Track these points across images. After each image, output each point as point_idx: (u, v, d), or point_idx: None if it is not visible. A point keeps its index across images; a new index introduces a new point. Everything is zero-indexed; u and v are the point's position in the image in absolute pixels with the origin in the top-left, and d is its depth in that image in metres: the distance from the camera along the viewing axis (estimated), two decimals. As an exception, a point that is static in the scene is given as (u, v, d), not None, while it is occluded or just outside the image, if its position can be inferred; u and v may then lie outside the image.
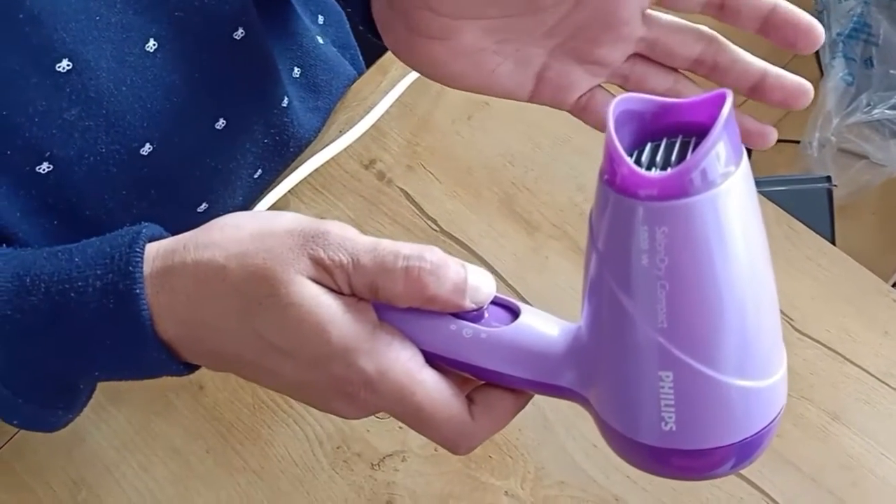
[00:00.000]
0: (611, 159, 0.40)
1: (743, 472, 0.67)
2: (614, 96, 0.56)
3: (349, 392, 0.48)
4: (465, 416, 0.49)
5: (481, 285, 0.48)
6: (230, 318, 0.48)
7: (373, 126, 0.83)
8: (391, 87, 0.84)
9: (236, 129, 0.72)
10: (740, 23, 0.54)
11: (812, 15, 0.53)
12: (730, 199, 0.39)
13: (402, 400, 0.48)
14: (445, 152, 0.82)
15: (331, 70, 0.82)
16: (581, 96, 0.59)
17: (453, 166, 0.81)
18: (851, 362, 0.71)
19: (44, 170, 0.62)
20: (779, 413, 0.45)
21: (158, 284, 0.49)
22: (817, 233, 0.77)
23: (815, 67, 1.62)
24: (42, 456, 0.72)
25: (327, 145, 0.81)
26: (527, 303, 0.49)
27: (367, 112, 0.83)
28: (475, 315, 0.48)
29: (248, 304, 0.48)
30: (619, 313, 0.42)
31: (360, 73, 0.87)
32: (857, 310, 0.73)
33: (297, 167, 0.80)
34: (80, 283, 0.50)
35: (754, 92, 0.55)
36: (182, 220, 0.55)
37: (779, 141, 0.57)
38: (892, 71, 1.54)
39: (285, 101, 0.76)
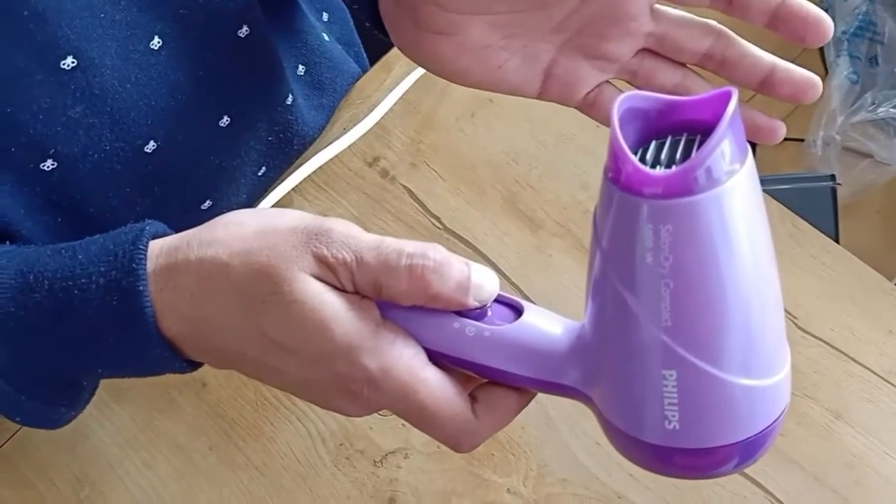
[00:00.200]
0: (615, 157, 0.40)
1: (746, 470, 0.67)
2: (622, 91, 0.56)
3: (352, 390, 0.48)
4: (468, 414, 0.49)
5: (485, 283, 0.48)
6: (233, 316, 0.48)
7: (377, 124, 0.83)
8: (395, 84, 0.84)
9: (240, 127, 0.72)
10: (749, 17, 0.54)
11: (818, 12, 0.53)
12: (734, 196, 0.39)
13: (406, 398, 0.48)
14: (449, 150, 0.82)
15: (335, 67, 0.82)
16: (589, 92, 0.59)
17: (457, 164, 0.81)
18: (855, 361, 0.71)
19: (48, 167, 0.62)
20: (783, 412, 0.45)
21: (162, 282, 0.49)
22: (821, 231, 0.77)
23: (820, 65, 1.62)
24: (45, 453, 0.72)
25: (331, 143, 0.81)
26: (530, 301, 0.49)
27: (372, 110, 0.83)
28: (478, 313, 0.48)
29: (252, 301, 0.47)
30: (622, 311, 0.42)
31: (365, 71, 0.87)
32: (861, 308, 0.73)
33: (300, 165, 0.80)
34: (83, 281, 0.50)
35: (763, 86, 0.55)
36: (186, 218, 0.55)
37: (783, 139, 0.57)
38: (896, 69, 1.54)
39: (290, 99, 0.76)
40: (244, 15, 0.67)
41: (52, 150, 0.61)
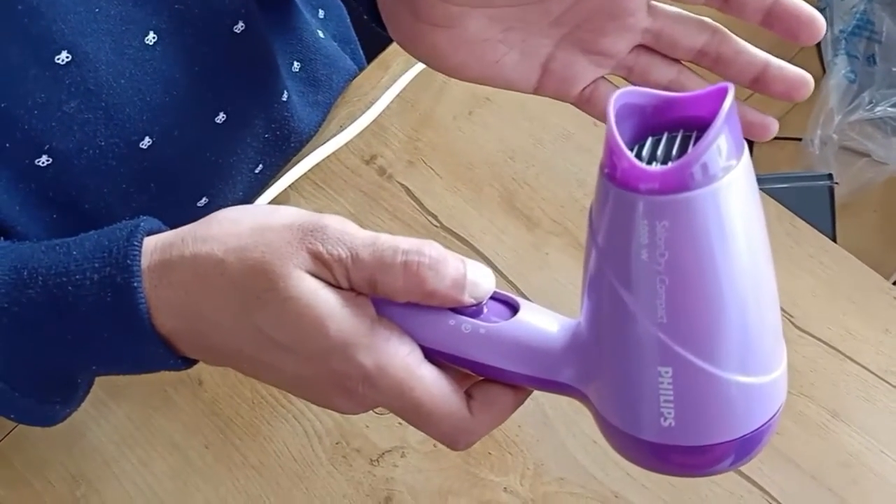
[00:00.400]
0: (611, 153, 0.40)
1: (743, 469, 0.67)
2: (618, 87, 0.55)
3: (348, 387, 0.48)
4: (464, 411, 0.48)
5: (480, 281, 0.48)
6: (228, 313, 0.48)
7: (374, 121, 0.83)
8: (392, 82, 0.84)
9: (236, 124, 0.72)
10: (744, 14, 0.54)
11: (814, 11, 0.53)
12: (731, 193, 0.39)
13: (401, 395, 0.48)
14: (446, 148, 0.82)
15: (331, 64, 0.82)
16: (585, 88, 0.59)
17: (454, 162, 0.81)
18: (852, 360, 0.71)
19: (43, 163, 0.62)
20: (779, 409, 0.45)
21: (157, 278, 0.49)
22: (819, 230, 0.77)
23: (818, 64, 1.62)
24: (41, 450, 0.72)
25: (328, 140, 0.81)
26: (527, 299, 0.49)
27: (369, 107, 0.83)
28: (474, 310, 0.48)
29: (247, 298, 0.47)
30: (618, 308, 0.42)
31: (361, 68, 0.87)
32: (858, 307, 0.73)
33: (297, 162, 0.80)
34: (77, 277, 0.50)
35: (756, 83, 0.55)
36: (182, 214, 0.54)
37: (781, 138, 0.57)
38: (894, 68, 1.53)
39: (285, 96, 0.76)
40: (239, 11, 0.67)
41: (47, 146, 0.61)
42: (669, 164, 0.39)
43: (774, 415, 0.44)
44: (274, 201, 0.78)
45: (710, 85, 0.41)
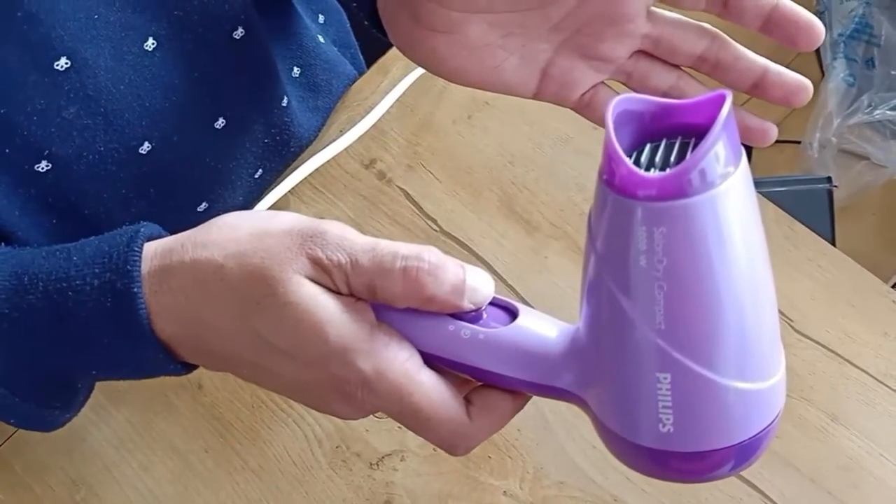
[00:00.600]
0: (610, 159, 0.40)
1: (742, 472, 0.67)
2: (617, 93, 0.56)
3: (347, 392, 0.48)
4: (463, 417, 0.49)
5: (480, 286, 0.48)
6: (228, 318, 0.48)
7: (373, 126, 0.83)
8: (392, 86, 0.84)
9: (236, 129, 0.72)
10: (744, 20, 0.54)
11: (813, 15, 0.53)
12: (728, 199, 0.39)
13: (400, 400, 0.48)
14: (446, 152, 0.82)
15: (331, 69, 0.82)
16: (584, 93, 0.59)
17: (454, 166, 0.81)
18: (851, 363, 0.71)
19: (42, 168, 0.62)
20: (777, 415, 0.45)
21: (156, 283, 0.49)
22: (818, 234, 0.77)
23: (817, 68, 1.62)
24: (41, 455, 0.72)
25: (328, 145, 0.81)
26: (526, 303, 0.49)
27: (368, 112, 0.83)
28: (473, 316, 0.48)
29: (246, 303, 0.47)
30: (617, 314, 0.42)
31: (361, 73, 0.87)
32: (858, 311, 0.73)
33: (297, 167, 0.80)
34: (77, 282, 0.50)
35: (755, 89, 0.55)
36: (182, 220, 0.55)
37: (780, 141, 0.58)
38: (893, 72, 1.53)
39: (285, 101, 0.76)
40: (239, 17, 0.67)
41: (47, 152, 0.61)
42: (667, 170, 0.40)
43: (773, 420, 0.44)
44: (274, 206, 0.78)
45: (709, 91, 0.41)
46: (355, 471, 0.70)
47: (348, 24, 0.89)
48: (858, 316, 0.73)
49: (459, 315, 0.48)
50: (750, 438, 0.44)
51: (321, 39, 0.81)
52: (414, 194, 0.80)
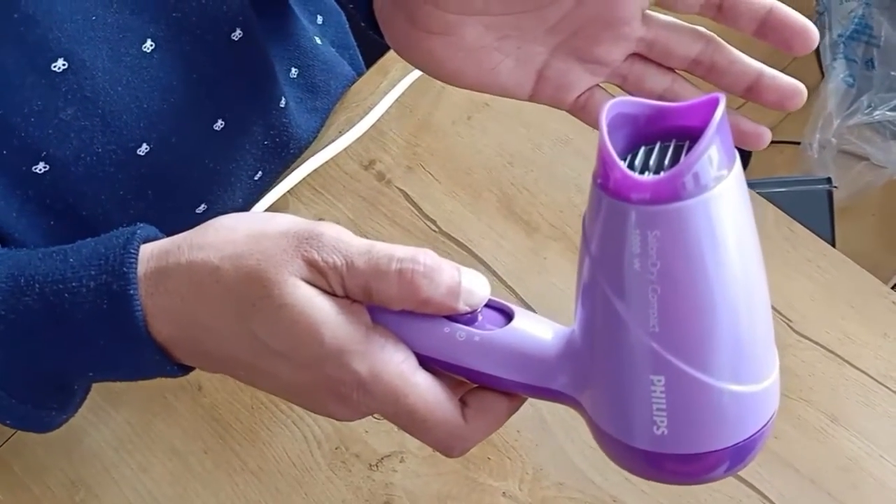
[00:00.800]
0: (604, 163, 0.40)
1: (741, 473, 0.67)
2: (612, 96, 0.56)
3: (343, 393, 0.48)
4: (459, 418, 0.49)
5: (475, 288, 0.48)
6: (224, 320, 0.48)
7: (372, 127, 0.83)
8: (391, 87, 0.84)
9: (235, 130, 0.72)
10: (738, 24, 0.54)
11: (813, 16, 0.54)
12: (722, 202, 0.39)
13: (396, 402, 0.48)
14: (445, 153, 0.82)
15: (329, 70, 0.82)
16: (580, 95, 0.59)
17: (453, 167, 0.81)
18: (851, 364, 0.71)
19: (40, 170, 0.62)
20: (772, 417, 0.45)
21: (152, 285, 0.49)
22: (818, 234, 0.77)
23: (816, 69, 1.62)
24: (40, 456, 0.72)
25: (327, 146, 0.81)
26: (525, 304, 0.49)
27: (367, 112, 0.83)
28: (469, 318, 0.48)
29: (242, 305, 0.47)
30: (611, 317, 0.42)
31: (360, 74, 0.87)
32: (857, 312, 0.73)
33: (296, 168, 0.80)
34: (74, 284, 0.50)
35: (750, 92, 0.55)
36: (181, 221, 0.55)
37: (779, 142, 0.58)
38: (893, 72, 1.53)
39: (283, 102, 0.76)
40: (237, 18, 0.67)
41: (44, 153, 0.61)
42: (661, 173, 0.40)
43: (768, 422, 0.44)
44: (273, 207, 0.78)
45: (703, 94, 0.41)
46: (354, 472, 0.70)
47: (347, 25, 0.89)
48: (858, 317, 0.73)
49: (455, 317, 0.48)
50: (744, 440, 0.44)
51: (319, 41, 0.82)
52: (413, 195, 0.80)
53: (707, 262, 0.40)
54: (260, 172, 0.77)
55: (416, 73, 0.83)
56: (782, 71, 0.55)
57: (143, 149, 0.66)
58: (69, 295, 0.50)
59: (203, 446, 0.71)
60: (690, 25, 0.56)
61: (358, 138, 0.82)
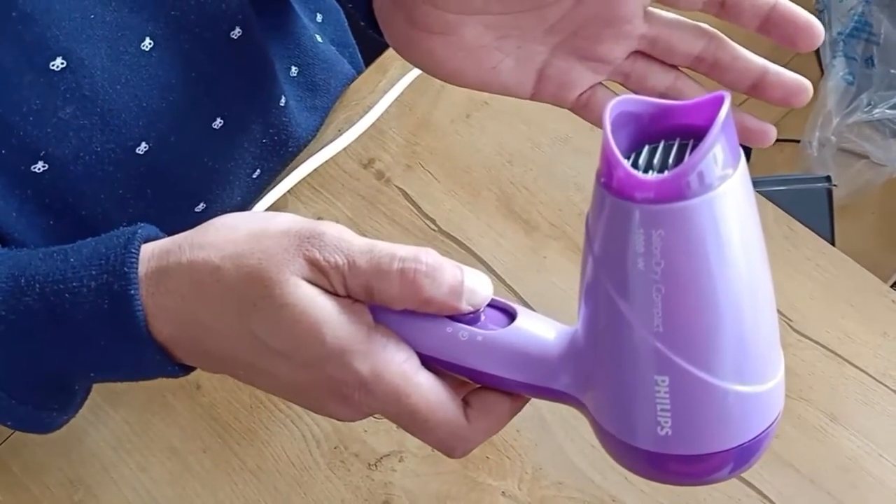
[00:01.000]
0: (607, 162, 0.40)
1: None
2: (615, 93, 0.55)
3: (344, 393, 0.48)
4: (461, 419, 0.48)
5: (478, 288, 0.48)
6: (225, 319, 0.48)
7: (372, 125, 0.83)
8: (390, 86, 0.84)
9: (234, 129, 0.72)
10: (741, 20, 0.54)
11: (813, 14, 0.53)
12: (727, 201, 0.39)
13: (398, 402, 0.48)
14: (444, 152, 0.82)
15: (329, 69, 0.82)
16: (582, 94, 0.59)
17: (452, 166, 0.81)
18: (850, 363, 0.71)
19: (39, 169, 0.62)
20: (776, 417, 0.45)
21: (153, 285, 0.49)
22: (817, 233, 0.77)
23: (816, 67, 1.62)
24: (39, 456, 0.72)
25: (326, 145, 0.81)
26: (525, 303, 0.49)
27: (366, 111, 0.83)
28: (471, 318, 0.48)
29: (243, 304, 0.47)
30: (615, 316, 0.42)
31: (359, 72, 0.87)
32: (857, 311, 0.73)
33: (295, 167, 0.80)
34: (74, 284, 0.50)
35: (754, 89, 0.55)
36: (180, 220, 0.54)
37: (779, 140, 0.57)
38: (892, 70, 1.53)
39: (283, 101, 0.76)
40: (236, 16, 0.67)
41: (43, 152, 0.61)
42: (666, 172, 0.39)
43: (772, 423, 0.44)
44: (272, 206, 0.78)
45: (707, 92, 0.41)
46: (354, 471, 0.69)
47: (346, 24, 0.89)
48: (858, 315, 0.73)
49: (457, 317, 0.48)
50: (749, 441, 0.44)
51: (319, 39, 0.81)
52: (412, 194, 0.80)
53: (712, 262, 0.40)
54: (259, 171, 0.77)
55: (416, 72, 0.83)
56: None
57: (142, 147, 0.65)
58: (70, 295, 0.50)
59: (202, 446, 0.71)
60: (693, 22, 0.56)
61: (357, 137, 0.82)
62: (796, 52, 0.54)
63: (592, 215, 0.42)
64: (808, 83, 0.54)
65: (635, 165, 0.41)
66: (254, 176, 0.77)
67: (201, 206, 0.73)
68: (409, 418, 0.48)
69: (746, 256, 0.40)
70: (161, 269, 0.49)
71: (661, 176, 0.39)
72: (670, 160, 0.41)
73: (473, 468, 0.69)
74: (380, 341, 0.47)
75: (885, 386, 0.70)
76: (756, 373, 0.43)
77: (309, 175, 0.80)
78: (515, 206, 0.79)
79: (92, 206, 0.66)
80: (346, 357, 0.47)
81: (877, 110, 1.50)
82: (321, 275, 0.47)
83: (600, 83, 0.59)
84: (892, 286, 0.75)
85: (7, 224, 0.62)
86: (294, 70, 0.79)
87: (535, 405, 0.65)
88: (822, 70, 1.61)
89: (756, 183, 0.41)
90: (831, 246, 0.76)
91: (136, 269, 0.49)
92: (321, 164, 0.81)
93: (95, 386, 0.60)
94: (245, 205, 0.78)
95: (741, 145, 0.42)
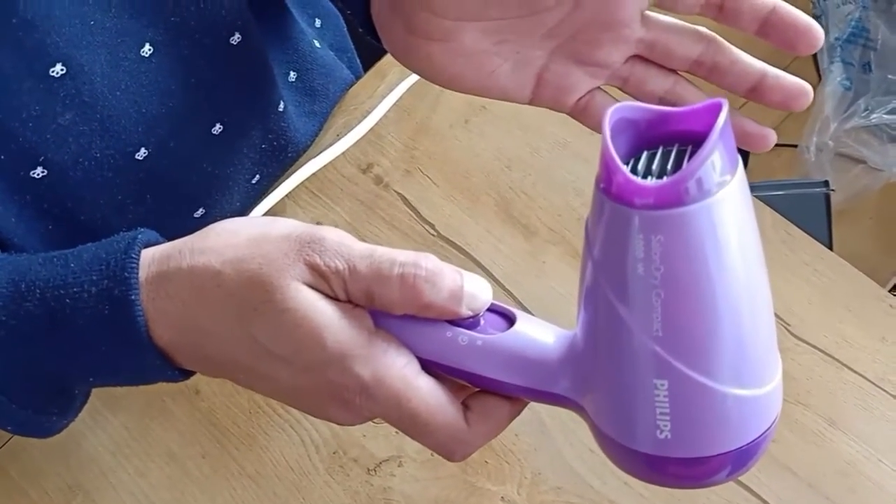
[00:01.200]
0: (607, 168, 0.40)
1: (739, 477, 0.67)
2: (613, 98, 0.56)
3: (345, 398, 0.48)
4: (461, 422, 0.49)
5: (478, 292, 0.48)
6: (226, 324, 0.48)
7: (370, 130, 0.83)
8: (389, 91, 0.84)
9: (233, 134, 0.72)
10: (740, 24, 0.54)
11: (810, 18, 0.53)
12: (725, 207, 0.39)
13: (398, 406, 0.48)
14: (443, 157, 0.82)
15: (327, 74, 0.82)
16: (580, 98, 0.59)
17: (451, 171, 0.81)
18: (849, 368, 0.71)
19: (38, 175, 0.62)
20: (774, 421, 0.45)
21: (154, 290, 0.49)
22: (815, 238, 0.77)
23: (814, 72, 1.62)
24: (38, 460, 0.72)
25: (325, 149, 0.81)
26: (524, 307, 0.49)
27: (365, 116, 0.83)
28: (471, 322, 0.48)
29: (244, 309, 0.47)
30: (614, 321, 0.42)
31: (358, 77, 0.87)
32: (855, 315, 0.73)
33: (294, 171, 0.80)
34: (75, 289, 0.50)
35: (753, 93, 0.55)
36: (179, 226, 0.55)
37: (776, 145, 0.57)
38: (890, 76, 1.53)
39: (281, 106, 0.76)
40: (236, 22, 0.67)
41: (42, 158, 0.61)
42: (664, 178, 0.40)
43: (770, 426, 0.44)
44: (271, 211, 0.78)
45: (706, 96, 0.41)
46: (353, 476, 0.69)
47: (345, 29, 0.89)
48: (856, 320, 0.73)
49: (457, 321, 0.48)
50: (747, 444, 0.44)
51: (317, 44, 0.81)
52: (411, 199, 0.80)
53: (710, 267, 0.40)
54: (258, 176, 0.77)
55: (414, 77, 0.83)
56: (781, 73, 0.55)
57: (142, 153, 0.65)
58: (70, 300, 0.50)
59: (201, 451, 0.71)
60: (691, 26, 0.56)
61: (356, 142, 0.82)
62: (795, 55, 0.54)
63: (592, 220, 0.42)
64: (807, 86, 0.54)
65: (634, 171, 0.41)
66: (253, 181, 0.77)
67: (200, 211, 0.73)
68: (409, 422, 0.48)
69: (745, 261, 0.41)
70: (161, 274, 0.49)
71: (660, 182, 0.39)
72: (669, 166, 0.41)
73: (472, 473, 0.69)
74: (380, 346, 0.48)
75: (884, 391, 0.70)
76: (754, 376, 0.43)
77: (308, 180, 0.80)
78: (514, 210, 0.79)
79: (91, 212, 0.66)
80: (347, 361, 0.47)
81: (874, 115, 1.50)
82: (322, 279, 0.47)
83: (599, 87, 0.59)
84: (889, 291, 0.75)
85: (6, 229, 0.62)
86: (293, 75, 0.79)
87: (535, 410, 0.65)
88: (819, 75, 1.61)
89: (754, 188, 0.41)
90: (829, 250, 0.77)
91: (137, 274, 0.49)
92: (320, 169, 0.81)
93: (94, 390, 0.60)
94: (244, 210, 0.78)
95: (740, 150, 0.42)
